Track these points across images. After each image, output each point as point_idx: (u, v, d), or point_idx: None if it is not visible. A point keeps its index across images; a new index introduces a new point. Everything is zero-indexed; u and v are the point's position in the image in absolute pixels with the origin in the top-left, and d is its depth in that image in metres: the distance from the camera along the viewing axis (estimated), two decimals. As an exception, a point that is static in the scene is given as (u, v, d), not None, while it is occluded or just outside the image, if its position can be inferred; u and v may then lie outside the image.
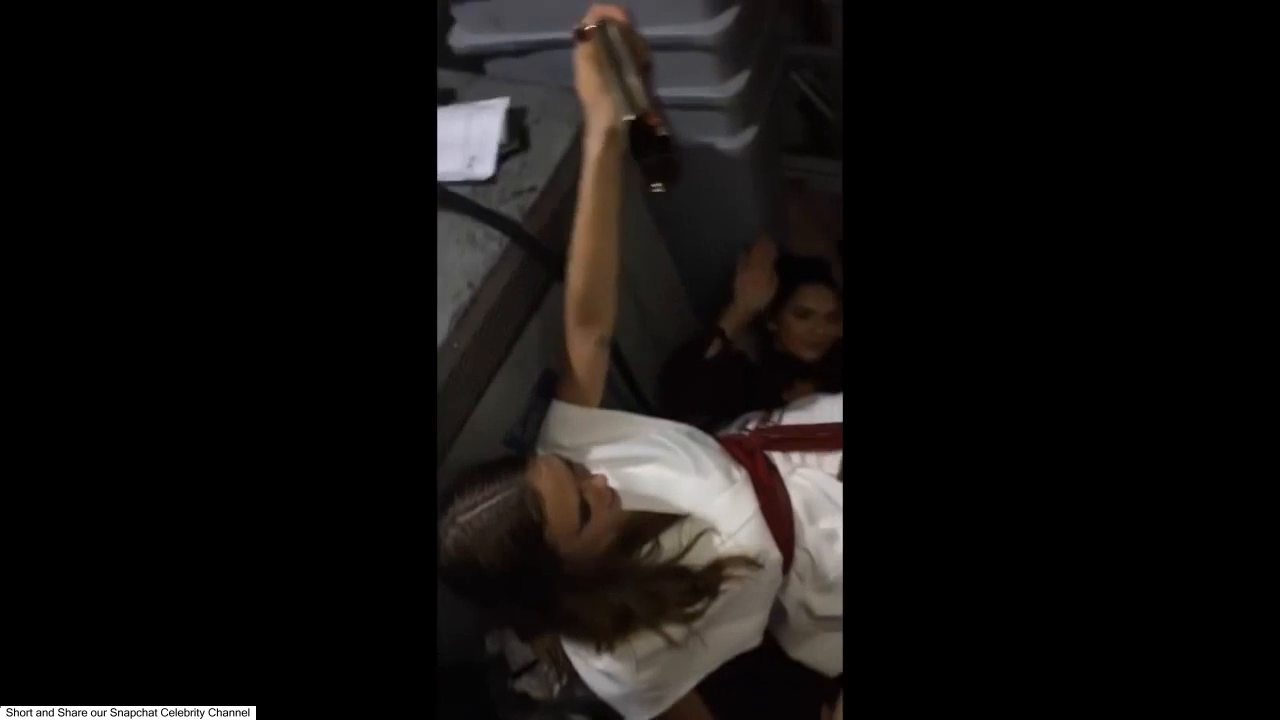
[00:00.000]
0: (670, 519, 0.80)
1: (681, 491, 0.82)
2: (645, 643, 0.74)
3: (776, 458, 0.90)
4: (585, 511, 0.73)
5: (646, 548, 0.77)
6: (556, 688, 0.90)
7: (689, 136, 1.07)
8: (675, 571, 0.75)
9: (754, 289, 1.17)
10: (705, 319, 1.36)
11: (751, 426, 0.96)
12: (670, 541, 0.78)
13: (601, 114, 0.73)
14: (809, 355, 1.21)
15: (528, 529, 0.70)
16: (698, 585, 0.75)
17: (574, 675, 0.83)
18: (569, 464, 0.76)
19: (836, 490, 0.86)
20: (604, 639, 0.73)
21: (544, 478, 0.73)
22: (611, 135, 0.73)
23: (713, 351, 1.15)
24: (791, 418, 0.96)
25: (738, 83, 1.00)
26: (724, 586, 0.76)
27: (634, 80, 0.72)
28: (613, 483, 0.78)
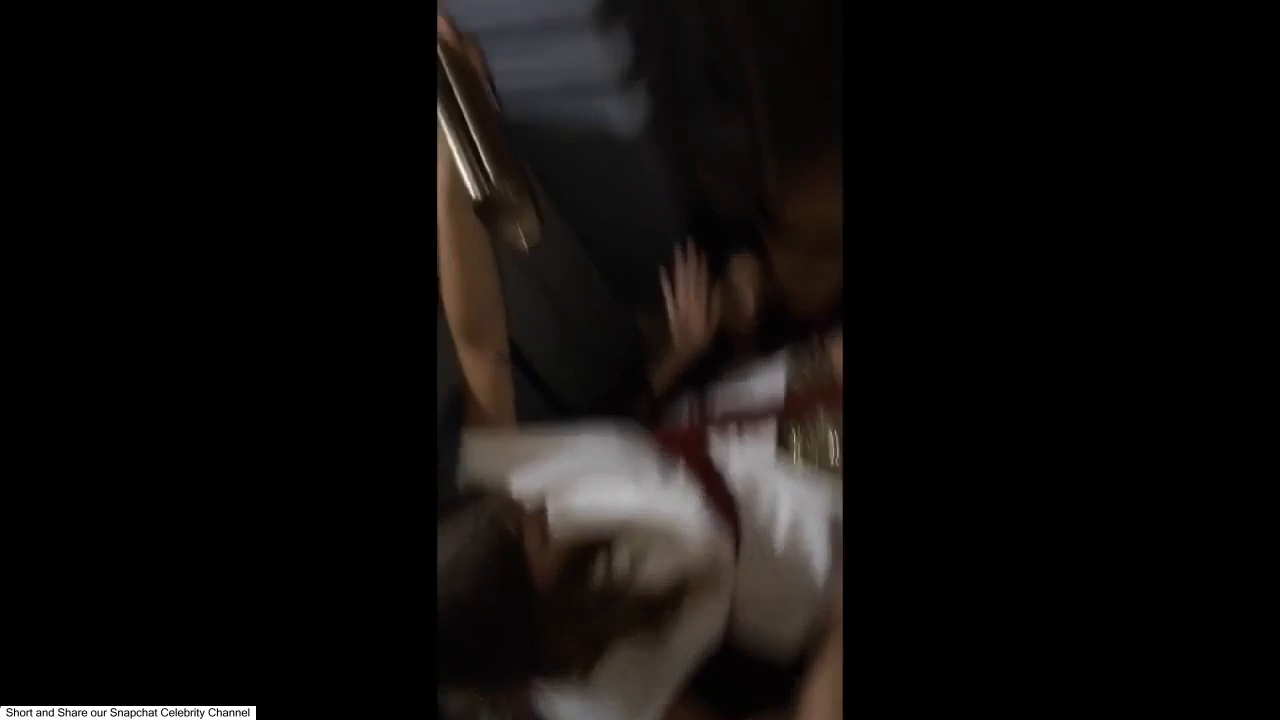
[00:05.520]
0: (616, 533, 0.76)
1: (622, 501, 0.78)
2: (607, 666, 0.70)
3: (711, 438, 0.87)
4: (545, 534, 0.70)
5: (600, 568, 0.73)
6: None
7: (576, 118, 1.01)
8: (634, 594, 0.72)
9: (696, 330, 1.02)
10: (630, 310, 1.27)
11: (685, 412, 0.93)
12: (623, 557, 0.74)
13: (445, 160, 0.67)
14: (739, 330, 1.13)
15: (509, 546, 0.66)
16: (657, 605, 0.72)
17: None
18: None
19: (774, 462, 0.84)
20: (580, 666, 0.70)
21: (510, 498, 0.69)
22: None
23: (642, 411, 1.03)
24: (725, 393, 0.93)
25: (618, 53, 0.92)
26: (686, 601, 0.73)
27: (477, 135, 0.62)
28: (552, 509, 0.73)
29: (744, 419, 0.87)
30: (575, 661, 0.69)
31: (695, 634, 0.76)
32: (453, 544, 0.65)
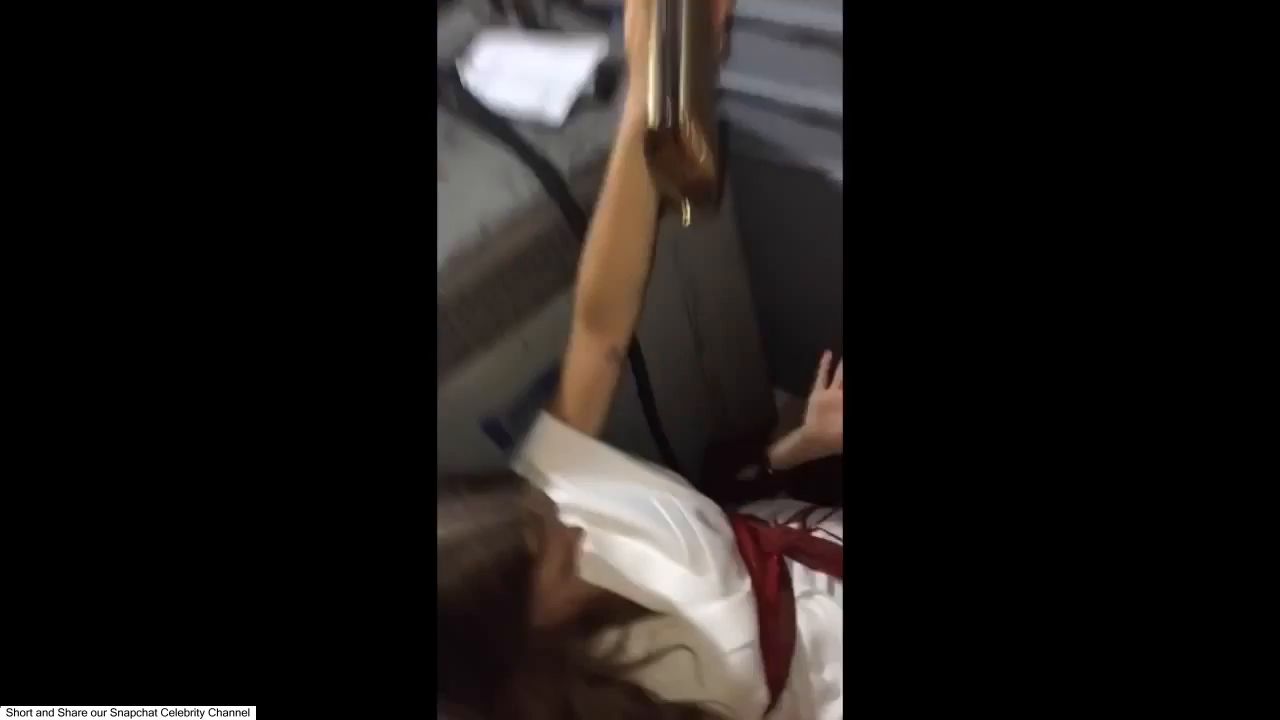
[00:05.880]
0: (645, 611, 0.64)
1: (666, 583, 0.64)
2: None
3: (796, 570, 0.71)
4: (568, 565, 0.61)
5: (611, 638, 0.62)
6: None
7: (798, 155, 0.89)
8: (633, 689, 0.59)
9: (833, 429, 0.84)
10: (773, 366, 1.10)
11: (782, 520, 0.78)
12: (639, 642, 0.62)
13: (640, 87, 0.56)
14: None
15: (519, 560, 0.57)
16: (646, 717, 0.59)
17: None
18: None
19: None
20: None
21: (547, 507, 0.61)
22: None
23: (746, 476, 0.91)
24: (832, 527, 0.77)
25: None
26: None
27: (685, 60, 0.52)
28: (587, 545, 0.63)
29: (839, 568, 0.72)
30: None
31: None
32: (461, 528, 0.56)
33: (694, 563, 0.65)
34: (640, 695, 0.60)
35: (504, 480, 0.65)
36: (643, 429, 0.92)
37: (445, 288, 0.63)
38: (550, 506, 0.63)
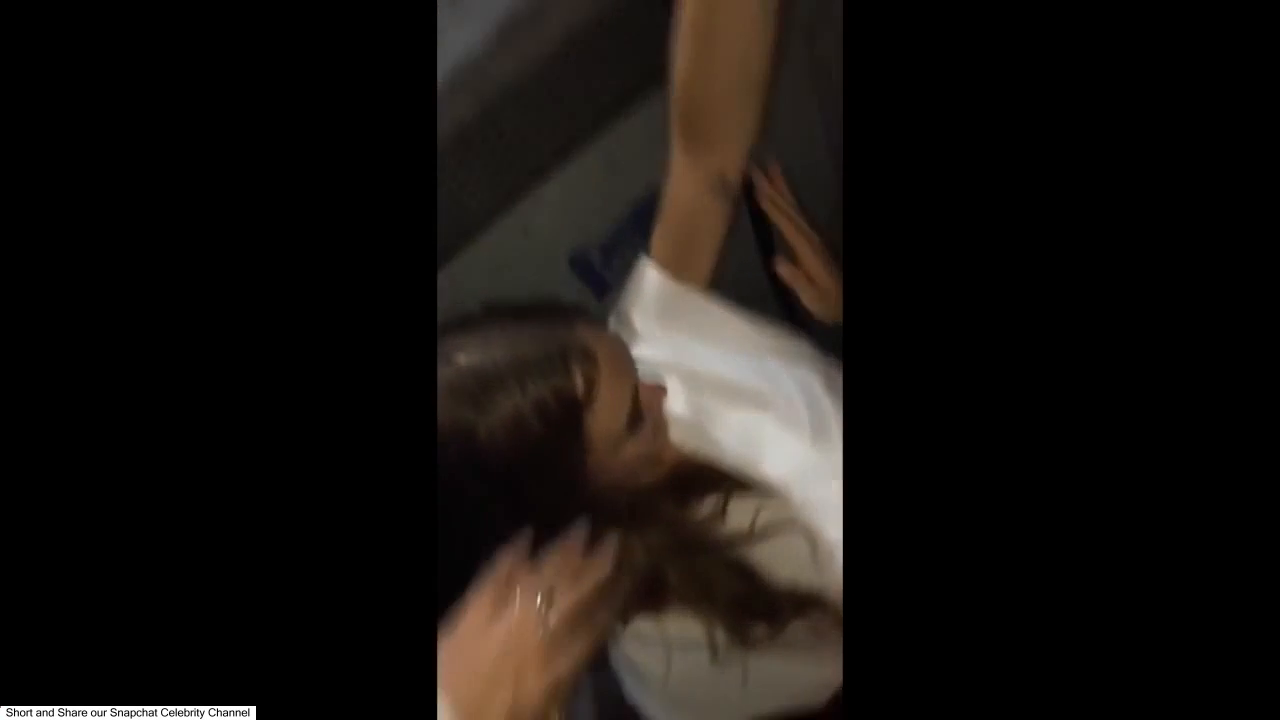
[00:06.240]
0: (750, 486, 0.55)
1: (780, 458, 0.55)
2: (682, 627, 0.51)
3: None
4: (636, 417, 0.50)
5: (707, 505, 0.54)
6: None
7: None
8: (737, 564, 0.51)
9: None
10: None
11: None
12: (741, 516, 0.53)
13: None
14: None
15: (563, 402, 0.47)
16: (754, 598, 0.51)
17: None
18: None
19: None
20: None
21: (604, 345, 0.49)
22: None
23: None
24: None
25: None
26: (792, 625, 0.52)
27: None
28: (684, 409, 0.54)
29: None
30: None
31: (784, 675, 0.53)
32: (497, 361, 0.47)
33: (817, 436, 0.55)
34: (745, 572, 0.52)
35: (555, 311, 0.52)
36: (763, 281, 0.73)
37: (491, 72, 0.47)
38: (611, 343, 0.51)
